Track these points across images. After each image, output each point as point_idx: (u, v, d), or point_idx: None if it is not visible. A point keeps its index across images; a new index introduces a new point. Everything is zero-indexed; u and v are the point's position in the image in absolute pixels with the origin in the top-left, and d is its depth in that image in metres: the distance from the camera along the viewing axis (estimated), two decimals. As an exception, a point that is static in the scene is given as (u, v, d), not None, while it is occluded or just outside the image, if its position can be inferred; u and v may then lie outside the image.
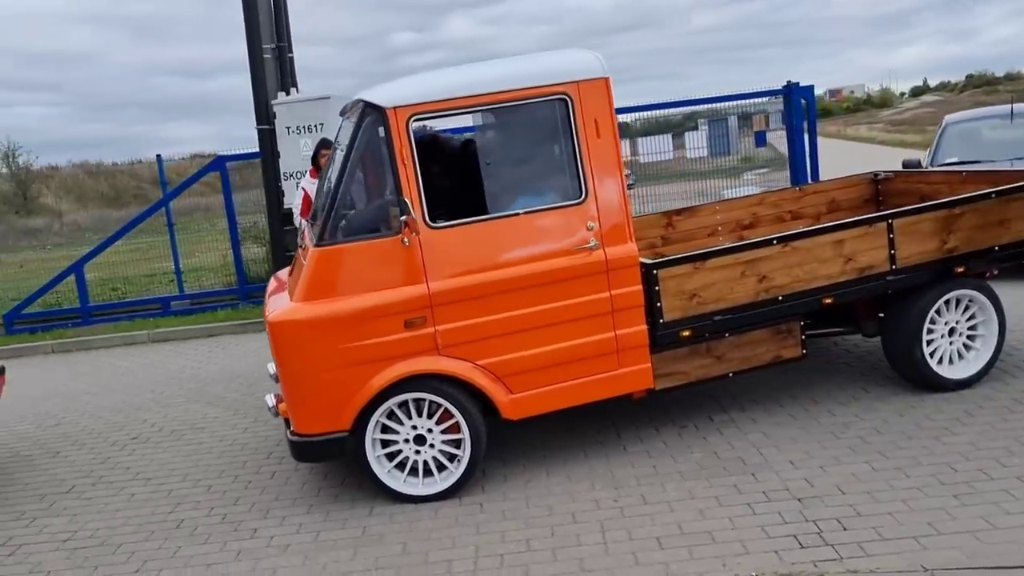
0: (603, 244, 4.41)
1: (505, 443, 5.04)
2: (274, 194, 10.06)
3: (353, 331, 4.20)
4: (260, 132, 10.35)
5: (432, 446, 4.41)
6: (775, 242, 4.69)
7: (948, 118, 10.13)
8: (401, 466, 4.44)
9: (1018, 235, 5.05)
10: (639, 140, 11.66)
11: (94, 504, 4.91)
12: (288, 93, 10.55)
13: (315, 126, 10.11)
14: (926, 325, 5.00)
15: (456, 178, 4.60)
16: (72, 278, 11.37)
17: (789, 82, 11.33)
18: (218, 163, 11.34)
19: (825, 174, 10.04)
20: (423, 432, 4.38)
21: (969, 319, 5.13)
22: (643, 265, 4.51)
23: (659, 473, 4.42)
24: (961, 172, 6.22)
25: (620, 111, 11.45)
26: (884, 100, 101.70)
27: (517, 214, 4.34)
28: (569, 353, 4.43)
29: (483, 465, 4.64)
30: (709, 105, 11.79)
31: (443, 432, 4.40)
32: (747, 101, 11.71)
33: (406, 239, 4.17)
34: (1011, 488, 3.79)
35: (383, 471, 4.40)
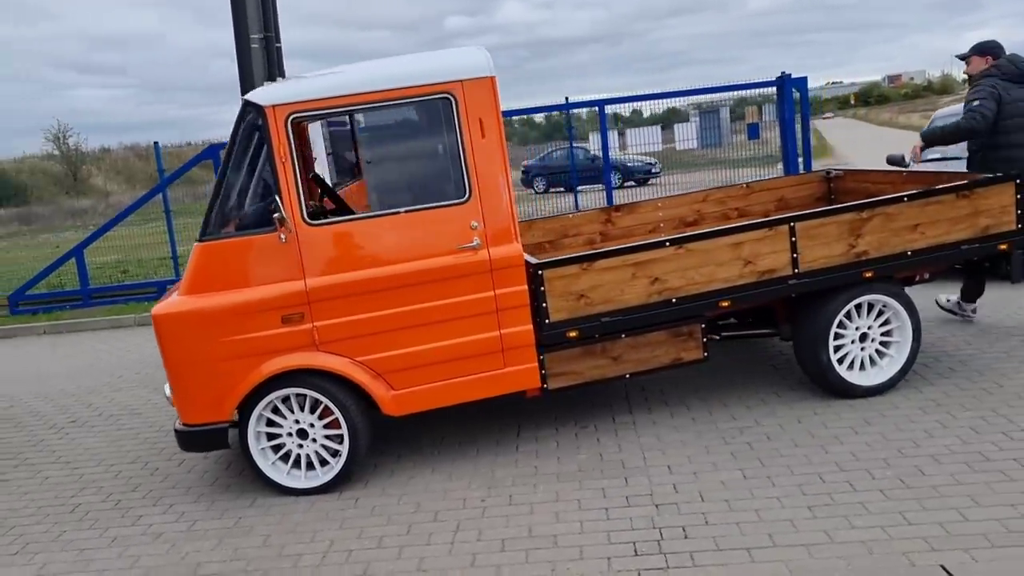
0: (487, 244, 4.41)
1: (403, 439, 5.10)
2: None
3: (232, 325, 4.28)
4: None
5: (314, 440, 4.48)
6: (668, 244, 4.64)
7: (937, 113, 9.86)
8: (287, 458, 4.52)
9: (934, 240, 4.91)
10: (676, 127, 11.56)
11: (8, 486, 5.10)
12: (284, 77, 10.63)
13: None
14: (833, 330, 4.91)
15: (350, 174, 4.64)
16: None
17: (783, 73, 11.12)
18: (210, 151, 11.54)
19: (861, 163, 9.81)
20: (305, 427, 4.46)
21: (883, 325, 5.02)
22: (529, 265, 4.50)
23: (538, 474, 4.43)
24: (902, 172, 6.06)
25: (614, 101, 11.40)
26: (945, 86, 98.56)
27: (398, 212, 4.37)
28: (452, 351, 4.46)
29: (376, 459, 4.70)
30: (701, 97, 11.63)
31: (325, 427, 4.46)
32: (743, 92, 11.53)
33: (283, 236, 4.23)
34: (869, 501, 3.72)
35: (267, 463, 4.49)
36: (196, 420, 4.40)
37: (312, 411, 4.45)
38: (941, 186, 4.93)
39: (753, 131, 11.73)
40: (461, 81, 4.34)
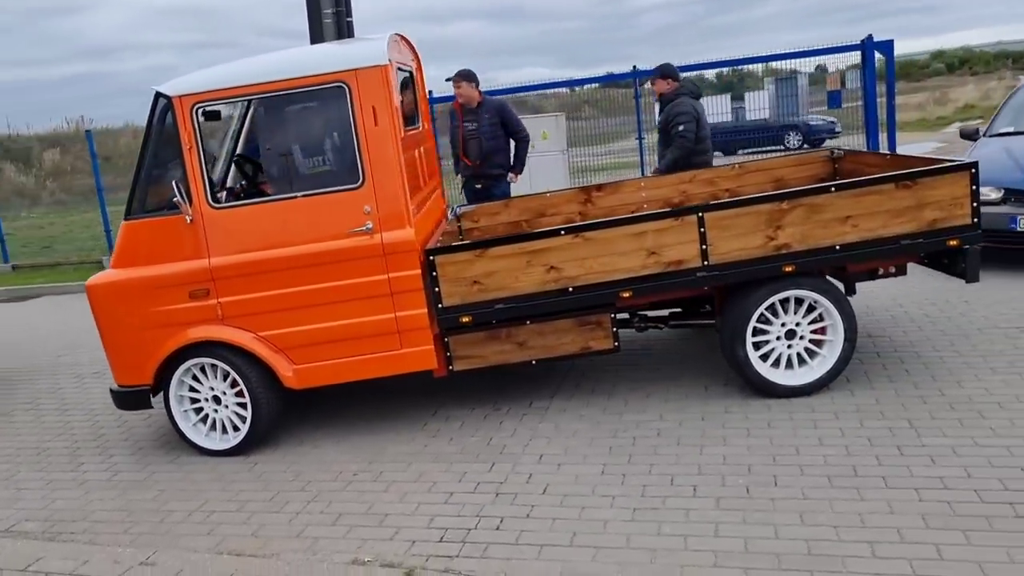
0: (380, 228, 4.55)
1: (331, 409, 5.38)
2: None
3: (147, 297, 4.69)
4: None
5: (227, 407, 4.84)
6: (563, 233, 4.59)
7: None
8: (207, 421, 4.92)
9: (869, 234, 4.54)
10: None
11: (13, 426, 5.85)
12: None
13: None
14: (751, 325, 4.68)
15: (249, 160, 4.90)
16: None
17: (867, 36, 10.32)
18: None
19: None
20: (219, 394, 4.83)
21: (816, 322, 4.73)
22: (423, 251, 4.60)
23: (423, 453, 4.58)
24: (886, 155, 5.59)
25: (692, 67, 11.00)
26: None
27: (295, 197, 4.59)
28: (350, 330, 4.66)
29: (304, 429, 5.03)
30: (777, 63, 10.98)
31: (236, 395, 4.81)
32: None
33: (188, 217, 4.57)
34: (696, 509, 3.61)
35: (188, 424, 4.91)
36: (125, 382, 4.88)
37: (224, 380, 4.80)
38: (877, 175, 4.54)
39: (834, 99, 10.95)
40: (355, 70, 4.47)
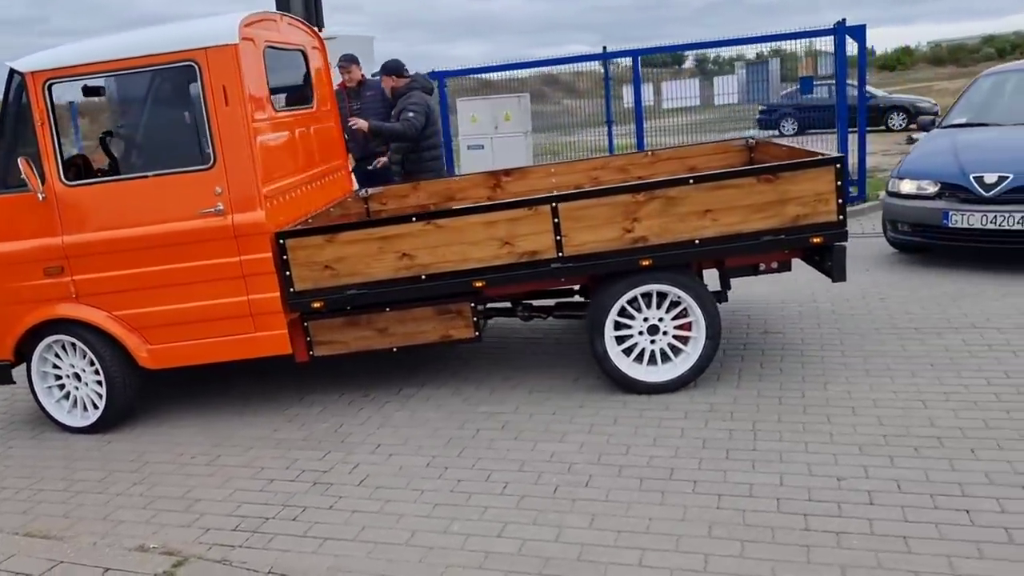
0: (231, 210, 4.50)
1: (211, 393, 5.36)
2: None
3: (4, 273, 4.69)
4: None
5: (87, 384, 4.84)
6: (415, 219, 4.49)
7: (989, 69, 8.52)
8: (71, 399, 4.92)
9: (728, 229, 4.38)
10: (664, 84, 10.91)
11: None
12: (310, 32, 10.97)
13: (323, 65, 10.54)
14: (609, 318, 4.56)
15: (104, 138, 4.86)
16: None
17: (839, 21, 9.98)
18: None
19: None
20: (79, 371, 4.82)
21: (680, 317, 4.59)
22: (275, 234, 4.54)
23: (268, 438, 4.54)
24: (792, 147, 5.40)
25: (651, 51, 10.79)
26: None
27: (147, 176, 4.55)
28: (202, 312, 4.62)
29: (175, 407, 5.03)
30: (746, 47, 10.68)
31: (94, 373, 4.81)
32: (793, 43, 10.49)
33: (40, 195, 4.55)
34: (495, 507, 3.53)
35: (51, 400, 4.91)
36: (-4, 356, 4.90)
37: (83, 358, 4.80)
38: (736, 168, 4.38)
39: (806, 85, 10.63)
40: (205, 49, 4.40)
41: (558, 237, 4.44)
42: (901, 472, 3.51)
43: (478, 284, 4.55)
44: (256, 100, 4.61)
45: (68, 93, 4.90)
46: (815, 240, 4.39)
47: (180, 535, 3.55)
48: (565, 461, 3.91)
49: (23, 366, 4.91)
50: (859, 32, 9.94)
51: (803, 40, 10.72)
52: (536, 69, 12.38)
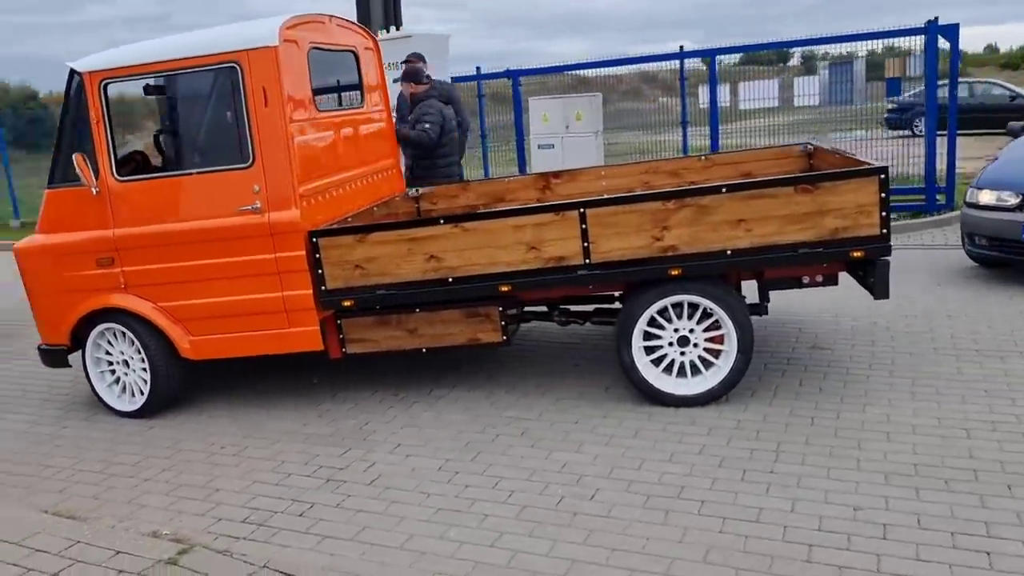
0: (268, 208, 4.61)
1: (258, 383, 5.53)
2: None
3: (62, 263, 4.95)
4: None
5: (135, 371, 5.06)
6: (443, 222, 4.50)
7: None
8: (120, 384, 5.16)
9: (762, 240, 4.22)
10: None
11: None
12: (388, 31, 11.21)
13: (396, 63, 10.72)
14: (637, 328, 4.46)
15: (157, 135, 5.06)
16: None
17: (930, 20, 9.48)
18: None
19: None
20: (128, 358, 5.05)
21: (711, 330, 4.45)
22: (308, 232, 4.63)
23: (297, 432, 4.64)
24: (841, 153, 5.14)
25: (728, 50, 10.53)
26: None
27: (191, 173, 4.71)
28: (240, 306, 4.76)
29: (223, 396, 5.23)
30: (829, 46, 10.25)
31: (141, 360, 5.02)
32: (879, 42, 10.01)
33: (94, 189, 4.78)
34: (495, 515, 3.50)
35: (103, 385, 5.16)
36: (47, 341, 5.19)
37: (132, 345, 5.02)
38: (774, 177, 4.21)
39: (893, 87, 10.12)
40: (247, 51, 4.52)
41: (586, 243, 4.37)
42: (924, 506, 3.30)
43: (504, 288, 4.52)
44: (296, 101, 4.70)
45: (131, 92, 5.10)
46: (856, 254, 4.17)
47: (194, 523, 3.67)
48: (576, 472, 3.84)
49: (81, 352, 5.16)
50: (951, 31, 9.41)
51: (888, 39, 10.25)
52: (636, 67, 12.18)
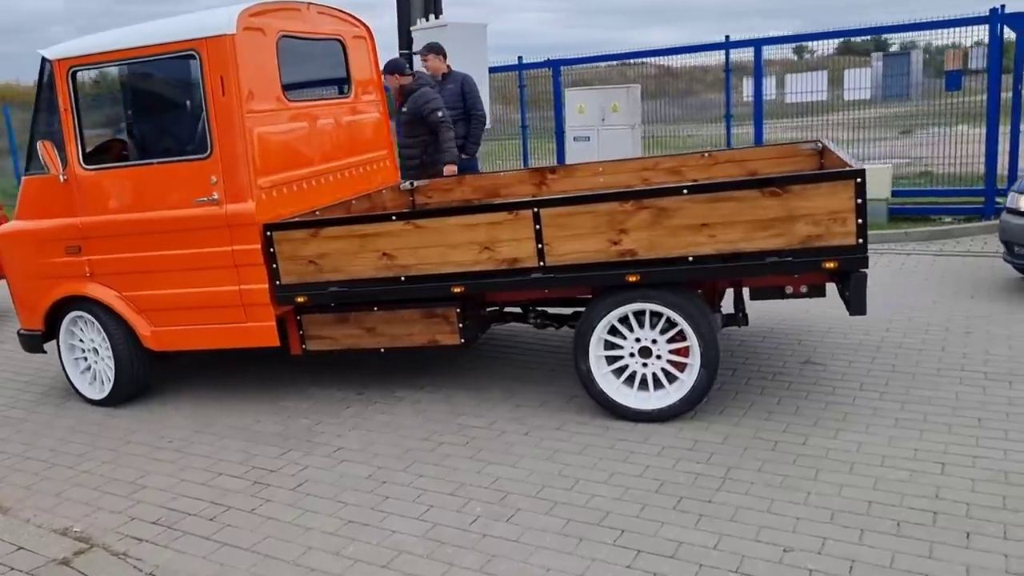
0: (225, 200, 4.52)
1: (234, 376, 5.47)
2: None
3: (35, 250, 4.98)
4: (401, 56, 11.15)
5: (104, 359, 5.06)
6: (394, 218, 4.31)
7: None
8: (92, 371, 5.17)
9: (727, 246, 3.88)
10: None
11: None
12: (427, 19, 11.08)
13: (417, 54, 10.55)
14: (594, 336, 4.19)
15: (119, 125, 5.01)
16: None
17: (1000, 8, 8.77)
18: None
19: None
20: (96, 346, 5.05)
21: (675, 340, 4.14)
22: (263, 225, 4.51)
23: (245, 430, 4.53)
24: (841, 156, 4.73)
25: (774, 41, 10.02)
26: None
27: (152, 163, 4.66)
28: (199, 299, 4.69)
29: (195, 386, 5.20)
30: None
31: (108, 350, 5.01)
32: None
33: (61, 176, 4.77)
34: (400, 532, 3.31)
35: (76, 372, 5.18)
36: (24, 326, 5.24)
37: (99, 333, 5.02)
38: (739, 179, 3.86)
39: (953, 81, 9.39)
40: (204, 39, 4.43)
41: (540, 245, 4.11)
42: (863, 551, 2.96)
43: (457, 289, 4.31)
44: (259, 91, 4.59)
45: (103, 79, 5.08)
46: (828, 265, 3.79)
47: (107, 521, 3.61)
48: (503, 490, 3.62)
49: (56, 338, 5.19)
50: (1017, 21, 8.67)
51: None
52: (694, 58, 11.68)
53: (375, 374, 5.22)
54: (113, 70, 4.79)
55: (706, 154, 5.76)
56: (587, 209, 4.02)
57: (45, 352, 5.30)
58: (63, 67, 4.69)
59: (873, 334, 5.32)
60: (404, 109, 6.92)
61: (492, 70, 13.08)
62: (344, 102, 5.53)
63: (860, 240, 3.73)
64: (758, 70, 9.87)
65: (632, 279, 4.03)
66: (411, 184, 6.17)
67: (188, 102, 4.63)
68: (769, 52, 10.11)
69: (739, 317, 4.53)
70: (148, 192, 4.66)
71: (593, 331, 4.18)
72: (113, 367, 4.97)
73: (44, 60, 4.77)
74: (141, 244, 4.71)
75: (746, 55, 9.97)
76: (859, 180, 3.67)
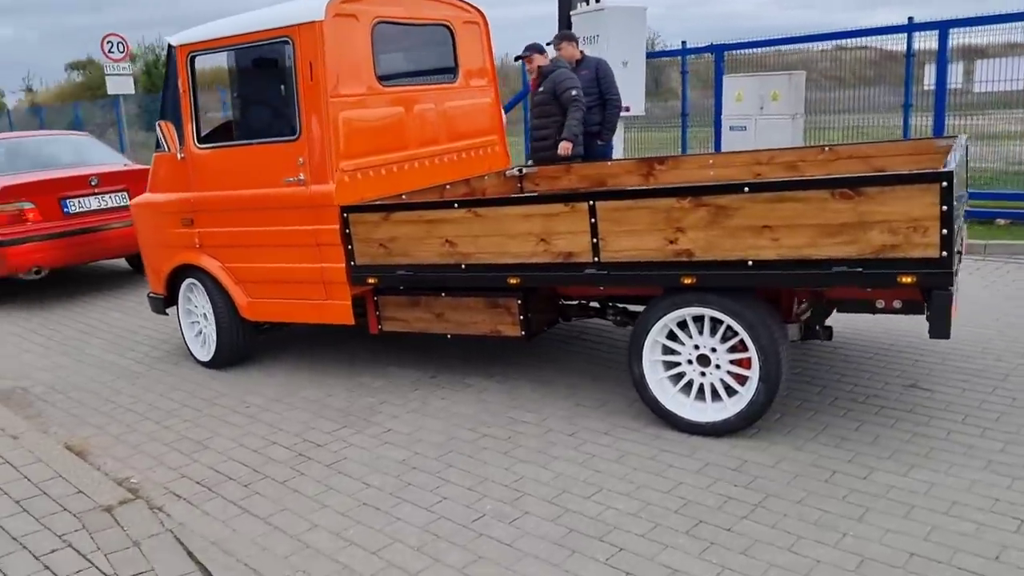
0: (309, 181, 4.71)
1: (338, 348, 5.73)
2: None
3: (159, 220, 5.45)
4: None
5: (210, 325, 5.45)
6: (456, 206, 4.28)
7: None
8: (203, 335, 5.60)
9: (790, 252, 3.51)
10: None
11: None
12: (587, 3, 10.96)
13: (592, 37, 10.42)
14: (648, 339, 3.97)
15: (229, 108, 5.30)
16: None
17: None
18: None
19: None
20: (205, 312, 5.45)
21: (736, 351, 3.84)
22: (341, 207, 4.65)
23: (316, 403, 4.72)
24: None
25: (962, 23, 9.01)
26: None
27: (250, 144, 4.93)
28: (285, 274, 4.94)
29: (300, 356, 5.53)
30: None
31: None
32: None
33: (180, 155, 5.18)
34: (402, 521, 3.31)
35: (191, 334, 5.62)
36: (152, 289, 5.75)
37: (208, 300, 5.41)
38: (808, 178, 3.48)
39: None
40: (296, 26, 4.61)
41: (595, 240, 3.94)
42: (876, 609, 2.59)
43: (513, 280, 4.23)
44: (349, 76, 4.71)
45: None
46: (905, 280, 3.34)
47: (162, 476, 3.89)
48: (521, 490, 3.52)
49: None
50: None
51: None
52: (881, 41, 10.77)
53: (455, 358, 5.25)
54: (224, 56, 5.08)
55: (826, 148, 5.25)
56: (644, 204, 3.79)
57: (167, 314, 5.79)
58: (183, 52, 5.07)
59: (1005, 360, 4.65)
60: (541, 89, 6.89)
61: (653, 55, 12.74)
62: (450, 87, 5.57)
63: (944, 253, 3.25)
64: (942, 55, 8.86)
65: (688, 281, 3.76)
66: (519, 170, 6.12)
67: (283, 86, 4.84)
68: (959, 36, 9.04)
69: (817, 331, 4.11)
70: (246, 171, 4.94)
71: (648, 333, 3.96)
72: (215, 338, 5.33)
73: (170, 46, 5.17)
74: (239, 219, 5.01)
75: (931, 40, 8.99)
76: (944, 184, 3.19)
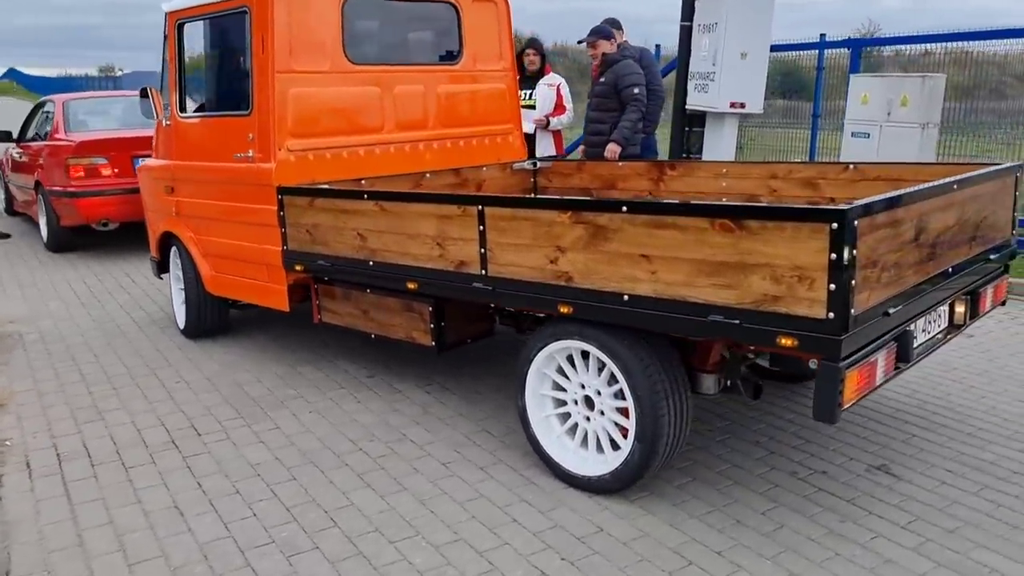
0: (257, 158, 4.54)
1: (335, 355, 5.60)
2: (682, 91, 9.80)
3: (152, 185, 5.52)
4: (681, 28, 10.31)
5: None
6: (366, 197, 3.93)
7: None
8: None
9: (667, 290, 2.88)
10: None
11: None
12: (709, -14, 10.07)
13: (711, 25, 9.57)
14: (530, 369, 3.46)
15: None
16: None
17: None
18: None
19: None
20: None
21: (620, 396, 3.25)
22: (277, 187, 4.44)
23: (236, 389, 4.58)
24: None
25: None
26: None
27: (213, 116, 4.84)
28: (236, 251, 4.83)
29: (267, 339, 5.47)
30: None
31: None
32: None
33: (165, 122, 5.18)
34: (184, 493, 3.07)
35: (178, 301, 5.65)
36: (152, 253, 5.85)
37: (190, 268, 5.41)
38: (691, 203, 2.83)
39: None
40: (252, -3, 4.43)
41: (483, 250, 3.46)
42: None
43: (411, 285, 3.83)
44: (307, 50, 4.48)
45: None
46: (784, 341, 2.63)
47: (39, 442, 3.89)
48: (333, 521, 3.16)
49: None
50: None
51: None
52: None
53: (414, 360, 4.89)
54: (203, 24, 4.99)
55: (851, 167, 4.39)
56: (527, 215, 3.27)
57: (162, 279, 5.88)
58: (172, 19, 5.04)
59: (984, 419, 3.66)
60: (602, 80, 6.38)
61: (780, 48, 11.53)
62: (449, 70, 5.20)
63: (831, 314, 2.51)
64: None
65: (564, 310, 3.21)
66: (534, 164, 5.66)
67: (242, 59, 4.69)
68: None
69: (738, 385, 3.38)
70: (209, 143, 4.86)
71: (531, 362, 3.44)
72: (184, 305, 5.33)
73: (165, 13, 5.17)
74: (203, 192, 4.95)
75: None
76: (834, 226, 2.45)
